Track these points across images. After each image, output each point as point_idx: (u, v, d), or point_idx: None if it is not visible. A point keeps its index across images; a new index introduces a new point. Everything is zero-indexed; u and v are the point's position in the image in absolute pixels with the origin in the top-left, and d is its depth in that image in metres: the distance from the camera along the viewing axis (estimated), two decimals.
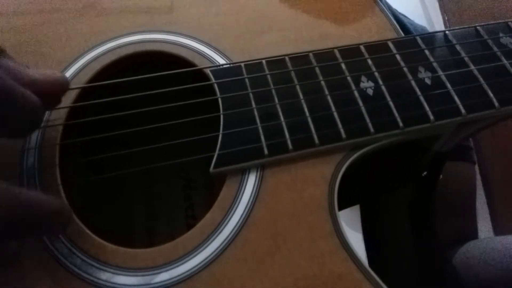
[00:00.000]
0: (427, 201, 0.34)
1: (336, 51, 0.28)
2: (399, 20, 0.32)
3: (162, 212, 0.35)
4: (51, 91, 0.21)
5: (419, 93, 0.26)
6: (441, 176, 0.33)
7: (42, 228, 0.20)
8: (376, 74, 0.27)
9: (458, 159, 0.34)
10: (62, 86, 0.22)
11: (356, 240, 0.23)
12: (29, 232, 0.19)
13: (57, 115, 0.26)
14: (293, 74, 0.27)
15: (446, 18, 0.81)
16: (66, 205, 0.20)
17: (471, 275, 0.34)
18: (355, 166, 0.25)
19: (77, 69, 0.28)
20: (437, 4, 0.84)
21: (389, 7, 0.33)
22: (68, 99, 0.26)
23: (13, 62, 0.20)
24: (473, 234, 0.37)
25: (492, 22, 0.30)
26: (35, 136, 0.25)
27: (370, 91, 0.27)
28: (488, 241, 0.37)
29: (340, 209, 0.24)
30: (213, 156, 0.24)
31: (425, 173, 0.33)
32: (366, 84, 0.27)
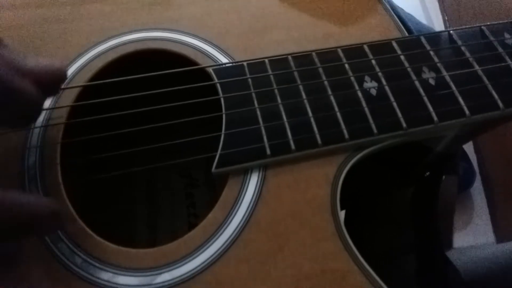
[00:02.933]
0: (429, 201, 0.34)
1: (339, 50, 0.28)
2: (403, 20, 0.32)
3: (164, 210, 0.35)
4: (49, 80, 0.21)
5: (423, 93, 0.26)
6: (443, 177, 0.33)
7: (35, 230, 0.20)
8: (380, 74, 0.27)
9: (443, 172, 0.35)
10: (60, 75, 0.22)
11: None
12: (22, 234, 0.20)
13: (59, 114, 0.25)
14: (296, 73, 0.27)
15: (446, 18, 0.80)
16: (59, 207, 0.20)
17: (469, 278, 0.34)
18: (358, 167, 0.25)
19: (78, 67, 0.28)
20: (437, 4, 0.83)
21: (394, 7, 0.33)
22: (69, 98, 0.26)
23: (10, 51, 0.20)
24: (447, 245, 0.37)
25: (497, 22, 0.30)
26: (36, 135, 0.25)
27: (373, 91, 0.26)
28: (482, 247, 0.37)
29: (341, 209, 0.24)
30: (215, 155, 0.24)
31: (427, 173, 0.33)
32: (369, 84, 0.27)
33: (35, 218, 0.19)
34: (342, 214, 0.24)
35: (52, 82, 0.21)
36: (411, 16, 0.37)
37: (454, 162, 0.35)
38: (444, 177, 0.34)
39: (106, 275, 0.21)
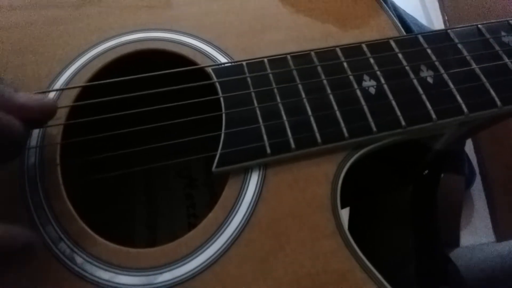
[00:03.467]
0: (428, 199, 0.34)
1: (338, 49, 0.28)
2: (402, 20, 0.32)
3: (163, 210, 0.35)
4: (37, 117, 0.22)
5: (421, 92, 0.26)
6: (442, 175, 0.33)
7: (11, 262, 0.19)
8: (378, 73, 0.27)
9: (448, 170, 0.35)
10: (49, 112, 0.22)
11: None
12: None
13: (58, 114, 0.25)
14: (295, 73, 0.27)
15: (446, 18, 0.81)
16: (35, 236, 0.20)
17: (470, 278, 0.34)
18: (357, 165, 0.25)
19: (77, 68, 0.28)
20: (437, 4, 0.84)
21: (395, 7, 0.33)
22: (69, 98, 0.26)
23: (2, 85, 0.20)
24: (455, 244, 0.38)
25: (494, 20, 0.30)
26: (36, 136, 0.25)
27: (372, 90, 0.27)
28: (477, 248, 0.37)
29: (342, 207, 0.24)
30: (214, 155, 0.24)
31: (426, 171, 0.33)
32: (368, 83, 0.27)
33: (7, 250, 0.19)
34: (342, 212, 0.24)
35: (40, 118, 0.22)
36: (414, 18, 0.37)
37: (460, 162, 0.35)
38: (445, 175, 0.34)
39: (106, 275, 0.21)
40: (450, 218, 0.37)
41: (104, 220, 0.26)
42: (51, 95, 0.26)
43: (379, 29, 0.31)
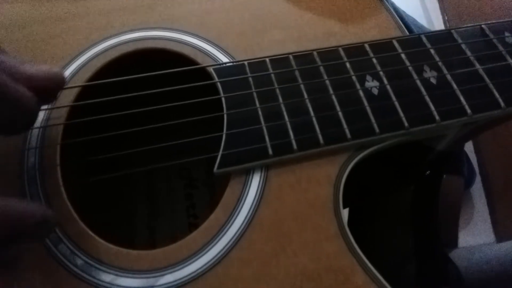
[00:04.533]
0: (430, 200, 0.34)
1: (340, 49, 0.28)
2: (403, 20, 0.32)
3: (163, 211, 0.35)
4: (46, 87, 0.21)
5: (424, 92, 0.26)
6: (444, 176, 0.33)
7: (26, 237, 0.19)
8: (381, 73, 0.27)
9: (447, 171, 0.35)
10: (57, 82, 0.22)
11: None
12: (13, 241, 0.19)
13: (58, 114, 0.25)
14: (297, 73, 0.27)
15: (446, 18, 0.80)
16: (51, 212, 0.20)
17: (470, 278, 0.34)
18: (359, 166, 0.25)
19: (77, 67, 0.27)
20: (437, 4, 0.83)
21: (396, 8, 0.33)
22: (68, 98, 0.26)
23: (8, 57, 0.20)
24: (453, 244, 0.38)
25: (497, 21, 0.30)
26: (35, 136, 0.24)
27: (375, 91, 0.26)
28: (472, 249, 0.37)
29: (344, 209, 0.24)
30: (215, 155, 0.24)
31: (428, 172, 0.33)
32: (371, 83, 0.27)
33: (27, 225, 0.19)
34: (344, 213, 0.23)
35: (49, 88, 0.21)
36: (413, 19, 0.37)
37: (459, 163, 0.35)
38: (444, 176, 0.33)
39: (107, 277, 0.21)
40: (449, 219, 0.37)
41: (104, 220, 0.26)
42: None
43: (382, 28, 0.31)
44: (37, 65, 0.21)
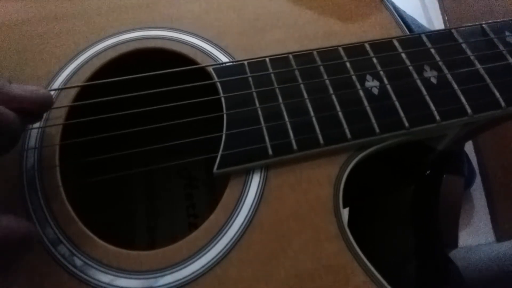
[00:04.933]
0: (430, 199, 0.34)
1: (340, 49, 0.28)
2: (403, 20, 0.32)
3: (163, 211, 0.35)
4: (31, 109, 0.21)
5: (424, 92, 0.26)
6: (444, 176, 0.33)
7: (8, 254, 0.19)
8: (381, 73, 0.27)
9: (447, 171, 0.35)
10: (43, 104, 0.21)
11: None
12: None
13: (57, 115, 0.25)
14: (297, 72, 0.27)
15: (446, 18, 0.80)
16: (33, 228, 0.20)
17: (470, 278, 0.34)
18: (359, 166, 0.25)
19: (76, 67, 0.27)
20: (437, 4, 0.83)
21: (395, 7, 0.33)
22: (67, 98, 0.26)
23: None
24: (453, 244, 0.38)
25: (498, 20, 0.30)
26: (34, 137, 0.24)
27: (375, 91, 0.26)
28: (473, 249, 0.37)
29: (344, 207, 0.23)
30: (215, 155, 0.24)
31: (428, 172, 0.33)
32: (371, 83, 0.26)
33: (10, 242, 0.19)
34: (345, 214, 0.23)
35: (35, 109, 0.21)
36: (413, 18, 0.36)
37: (459, 163, 0.35)
38: (445, 176, 0.33)
39: (106, 278, 0.21)
40: (449, 219, 0.37)
41: (104, 220, 0.26)
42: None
43: (382, 27, 0.31)
44: (24, 85, 0.21)
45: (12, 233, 0.18)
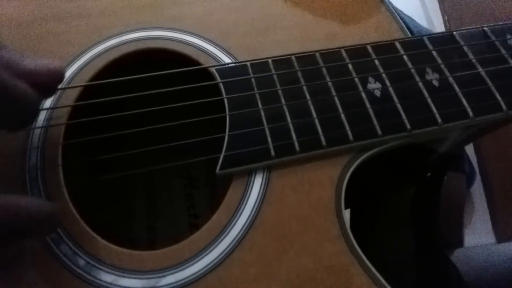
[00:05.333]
0: (431, 201, 0.34)
1: (342, 51, 0.28)
2: (405, 22, 0.32)
3: (163, 211, 0.35)
4: (47, 81, 0.21)
5: (426, 95, 0.26)
6: (445, 177, 0.33)
7: (33, 232, 0.20)
8: (384, 75, 0.27)
9: (449, 169, 0.35)
10: (58, 76, 0.22)
11: None
12: (20, 237, 0.20)
13: (59, 114, 0.25)
14: (299, 74, 0.27)
15: (447, 18, 0.81)
16: (56, 208, 0.20)
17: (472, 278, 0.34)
18: (361, 167, 0.25)
19: (79, 67, 0.27)
20: (437, 4, 0.83)
21: (394, 9, 0.33)
22: (70, 98, 0.26)
23: (8, 52, 0.20)
24: (458, 243, 0.38)
25: (499, 23, 0.30)
26: (37, 136, 0.24)
27: (377, 93, 0.26)
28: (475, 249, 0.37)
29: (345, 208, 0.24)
30: (217, 156, 0.24)
31: (429, 174, 0.33)
32: (373, 85, 0.27)
33: (34, 220, 0.19)
34: (347, 215, 0.23)
35: (49, 83, 0.21)
36: (411, 18, 0.37)
37: (460, 160, 0.35)
38: (446, 178, 0.34)
39: (109, 277, 0.21)
40: (453, 217, 0.37)
41: (104, 220, 0.26)
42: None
43: (384, 29, 0.31)
44: (38, 59, 0.21)
45: (37, 212, 0.19)
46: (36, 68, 0.20)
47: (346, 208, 0.24)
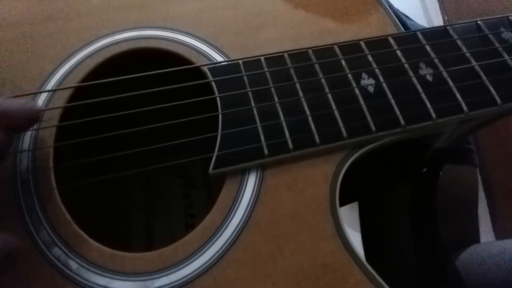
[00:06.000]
0: (427, 197, 0.33)
1: (336, 47, 0.28)
2: (398, 17, 0.31)
3: (160, 211, 0.35)
4: (19, 124, 0.21)
5: (420, 90, 0.26)
6: (441, 173, 0.33)
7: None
8: (377, 70, 0.27)
9: (460, 162, 0.34)
10: (32, 118, 0.21)
11: (355, 241, 0.23)
12: None
13: (51, 116, 0.25)
14: (292, 71, 0.27)
15: (446, 18, 0.80)
16: (13, 246, 0.20)
17: (472, 278, 0.34)
18: (356, 164, 0.25)
19: (70, 67, 0.27)
20: (437, 4, 0.83)
21: (390, 5, 0.33)
22: (61, 99, 0.26)
23: None
24: (475, 239, 0.37)
25: (493, 16, 0.30)
26: (28, 138, 0.24)
27: (371, 89, 0.26)
28: (487, 245, 0.37)
29: (340, 206, 0.23)
30: (212, 155, 0.24)
31: (425, 169, 0.33)
32: (367, 81, 0.26)
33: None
34: (341, 213, 0.23)
35: (24, 125, 0.21)
36: (407, 16, 0.36)
37: (471, 154, 0.35)
38: (441, 173, 0.33)
39: (102, 280, 0.21)
40: (467, 212, 0.36)
41: (100, 222, 0.26)
42: (42, 96, 0.26)
43: (377, 25, 0.30)
44: (11, 100, 0.21)
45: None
46: (9, 109, 0.20)
47: (341, 206, 0.24)
